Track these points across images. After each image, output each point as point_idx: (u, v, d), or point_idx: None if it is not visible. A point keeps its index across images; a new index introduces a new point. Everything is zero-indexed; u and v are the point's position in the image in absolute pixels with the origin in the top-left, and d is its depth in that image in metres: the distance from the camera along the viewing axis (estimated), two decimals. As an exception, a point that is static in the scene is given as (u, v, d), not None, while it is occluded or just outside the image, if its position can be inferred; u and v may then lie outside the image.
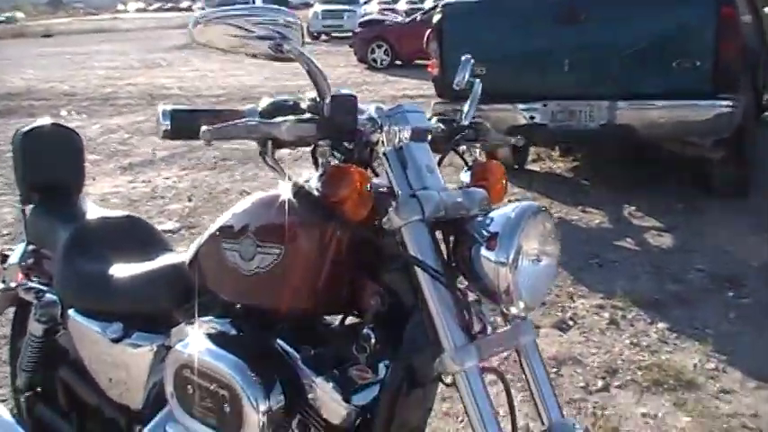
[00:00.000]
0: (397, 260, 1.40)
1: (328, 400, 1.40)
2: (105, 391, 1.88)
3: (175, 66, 13.32)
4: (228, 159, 6.54)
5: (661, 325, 3.53)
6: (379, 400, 1.39)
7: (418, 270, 1.26)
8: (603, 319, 3.61)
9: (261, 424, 1.41)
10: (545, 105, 4.89)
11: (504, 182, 1.50)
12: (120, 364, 1.80)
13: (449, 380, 1.32)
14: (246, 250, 1.42)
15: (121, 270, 1.86)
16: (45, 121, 2.21)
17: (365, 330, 1.36)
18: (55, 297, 1.98)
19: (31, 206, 2.17)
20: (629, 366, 3.18)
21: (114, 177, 5.97)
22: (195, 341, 1.53)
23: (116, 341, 1.79)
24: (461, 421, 2.77)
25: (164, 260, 1.80)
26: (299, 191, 1.34)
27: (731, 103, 4.83)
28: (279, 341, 1.49)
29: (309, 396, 1.43)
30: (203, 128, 1.20)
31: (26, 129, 2.16)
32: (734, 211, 5.16)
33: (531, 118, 5.00)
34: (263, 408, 1.40)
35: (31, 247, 2.15)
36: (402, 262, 1.36)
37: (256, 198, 1.45)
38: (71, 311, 1.92)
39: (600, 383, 3.04)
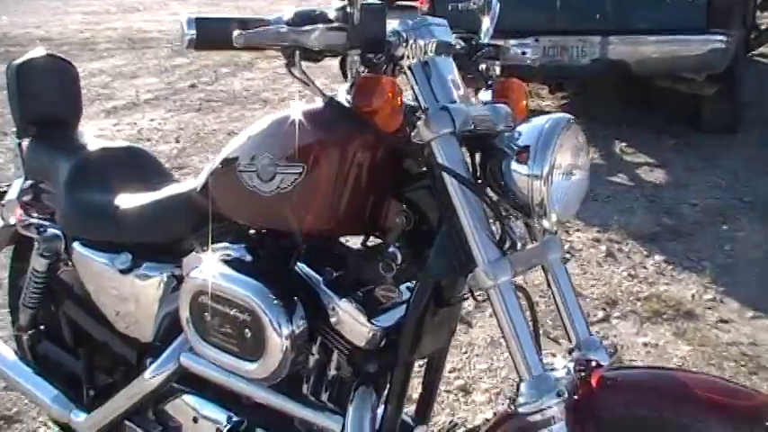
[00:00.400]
0: (422, 178, 1.37)
1: (352, 321, 1.39)
2: (113, 325, 1.85)
3: (153, 10, 12.97)
4: (213, 101, 6.42)
5: (657, 257, 3.56)
6: (405, 321, 1.37)
7: (449, 184, 1.23)
8: (600, 252, 3.63)
9: (284, 348, 1.39)
10: (536, 41, 4.80)
11: (525, 100, 1.47)
12: (128, 295, 1.77)
13: (477, 299, 1.32)
14: (265, 171, 1.38)
15: (128, 200, 1.81)
16: (39, 51, 2.12)
17: (391, 249, 1.33)
18: (58, 231, 1.93)
19: (28, 140, 2.10)
20: (629, 298, 3.20)
21: (99, 120, 5.84)
22: (211, 267, 1.50)
23: (125, 272, 1.75)
24: (465, 353, 2.79)
25: (173, 188, 1.75)
26: (330, 103, 1.30)
27: (724, 38, 4.78)
28: (298, 264, 1.47)
29: (332, 319, 1.41)
30: (236, 32, 1.15)
31: (20, 60, 2.08)
32: (724, 146, 5.17)
33: (523, 54, 4.90)
34: (285, 331, 1.39)
35: (29, 182, 2.09)
36: (428, 180, 1.34)
37: (275, 118, 1.40)
38: (76, 244, 1.88)
39: (600, 314, 3.06)
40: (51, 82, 2.09)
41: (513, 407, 1.23)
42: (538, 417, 1.20)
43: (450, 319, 1.49)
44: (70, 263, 1.94)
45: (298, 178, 1.34)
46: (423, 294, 1.35)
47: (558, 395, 1.19)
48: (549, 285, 1.37)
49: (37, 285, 2.00)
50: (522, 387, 1.22)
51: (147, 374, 1.72)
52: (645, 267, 3.47)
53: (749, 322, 3.01)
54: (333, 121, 1.31)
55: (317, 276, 1.44)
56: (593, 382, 1.25)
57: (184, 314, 1.54)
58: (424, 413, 1.56)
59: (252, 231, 1.55)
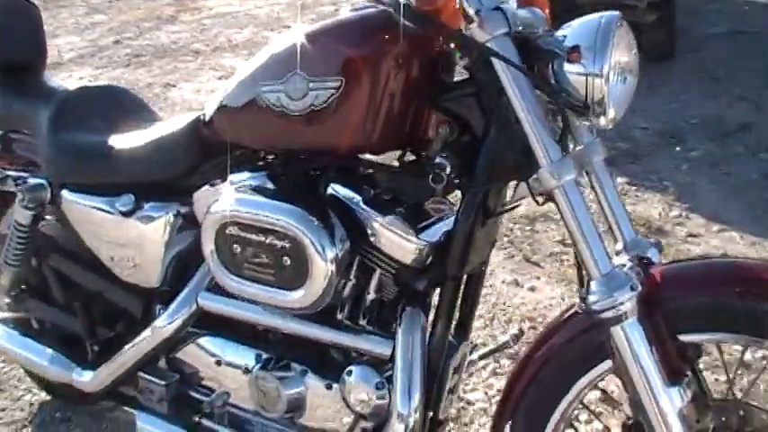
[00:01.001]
0: (459, 88, 1.32)
1: (398, 238, 1.34)
2: (113, 274, 1.74)
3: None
4: (142, 56, 6.12)
5: (619, 179, 3.61)
6: (454, 234, 1.33)
7: (508, 84, 1.18)
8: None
9: (328, 272, 1.33)
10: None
11: (548, 8, 1.42)
12: (130, 240, 1.67)
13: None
14: (295, 89, 1.30)
15: (124, 139, 1.69)
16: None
17: (438, 160, 1.29)
18: (41, 180, 1.79)
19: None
20: (599, 218, 3.24)
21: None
22: (237, 197, 1.41)
23: (126, 215, 1.64)
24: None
25: (174, 123, 1.64)
26: (393, 5, 1.24)
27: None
28: (331, 186, 1.40)
29: (374, 238, 1.36)
30: None
31: None
32: (663, 73, 5.27)
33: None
34: (330, 254, 1.33)
35: None
36: (469, 88, 1.29)
37: (303, 32, 1.31)
38: (65, 192, 1.75)
39: (575, 238, 3.09)
40: (14, 25, 1.92)
41: (583, 305, 1.22)
42: (610, 313, 1.19)
43: (492, 232, 1.46)
44: (56, 213, 1.81)
45: (334, 93, 1.27)
46: (471, 205, 1.31)
47: (632, 289, 1.18)
48: (592, 188, 1.36)
49: (21, 240, 1.86)
50: (593, 285, 1.21)
51: (160, 321, 1.64)
52: (610, 190, 3.51)
53: (717, 235, 3.11)
54: (379, 28, 1.26)
55: (355, 196, 1.37)
56: (656, 275, 1.25)
57: (208, 249, 1.45)
58: (464, 331, 1.53)
59: (271, 157, 1.47)
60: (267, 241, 1.37)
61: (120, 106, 1.86)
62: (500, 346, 1.74)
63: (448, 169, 1.28)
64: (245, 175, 1.47)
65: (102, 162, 1.69)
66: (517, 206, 1.39)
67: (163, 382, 1.66)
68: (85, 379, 1.80)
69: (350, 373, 1.41)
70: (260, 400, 1.51)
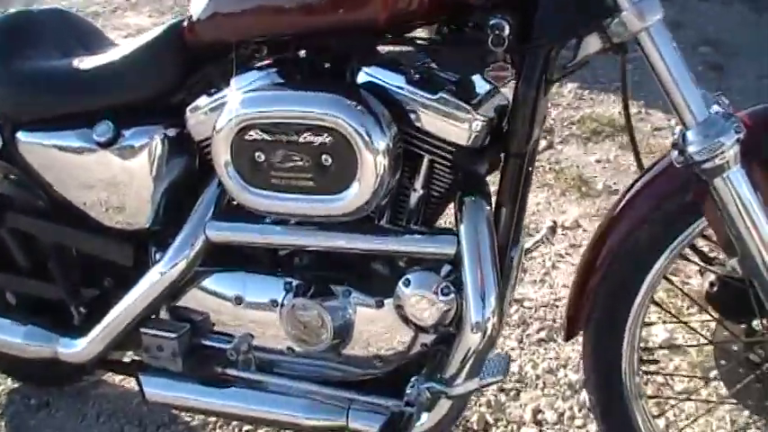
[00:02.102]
0: None
1: (452, 117, 1.16)
2: (93, 221, 1.48)
3: None
4: None
5: (570, 85, 3.53)
6: (515, 103, 1.16)
7: None
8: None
9: (381, 166, 1.14)
10: None
11: None
12: (112, 176, 1.41)
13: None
14: None
15: (90, 60, 1.44)
16: None
17: (494, 21, 1.10)
18: None
19: None
20: (563, 124, 3.16)
21: None
22: (251, 96, 1.20)
23: (105, 145, 1.39)
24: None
25: (148, 36, 1.39)
26: None
27: None
28: (363, 71, 1.20)
29: (423, 120, 1.17)
30: None
31: None
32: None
33: None
34: (381, 144, 1.14)
35: None
36: None
37: None
38: (21, 134, 1.47)
39: (542, 143, 2.98)
40: None
41: (682, 157, 1.08)
42: (712, 163, 1.06)
43: (546, 105, 1.30)
44: (11, 163, 1.52)
45: None
46: (534, 69, 1.15)
47: (736, 132, 1.05)
48: (645, 56, 1.14)
49: None
50: (691, 135, 1.08)
51: (162, 264, 1.40)
52: (563, 96, 3.44)
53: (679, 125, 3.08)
54: None
55: (394, 76, 1.18)
56: (747, 120, 1.12)
57: (222, 163, 1.24)
58: (519, 219, 1.37)
59: (281, 47, 1.25)
60: (301, 139, 1.16)
61: (72, 30, 1.58)
62: (537, 243, 1.61)
63: (506, 29, 1.10)
64: (253, 74, 1.25)
65: (68, 88, 1.42)
66: (582, 66, 1.22)
67: (173, 335, 1.42)
68: (74, 348, 1.53)
69: (407, 282, 1.23)
70: (298, 334, 1.32)
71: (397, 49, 1.27)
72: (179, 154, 1.41)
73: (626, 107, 1.29)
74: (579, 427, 1.61)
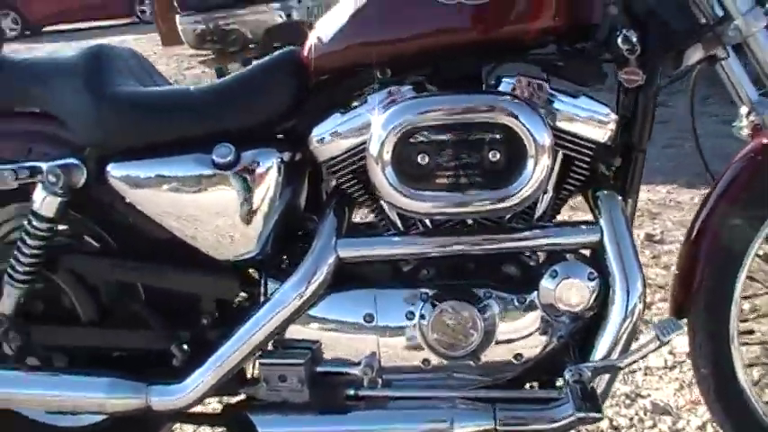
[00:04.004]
0: None
1: (594, 115, 1.31)
2: (199, 254, 1.45)
3: None
4: None
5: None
6: (642, 103, 1.34)
7: None
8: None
9: (545, 160, 1.26)
10: (300, 2, 4.75)
11: None
12: (230, 202, 1.40)
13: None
14: None
15: (198, 89, 1.44)
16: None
17: (626, 32, 1.28)
18: (72, 159, 1.44)
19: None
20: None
21: None
22: (412, 102, 1.29)
23: (226, 168, 1.38)
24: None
25: (261, 63, 1.45)
26: None
27: None
28: (504, 80, 1.34)
29: (566, 120, 1.31)
30: None
31: None
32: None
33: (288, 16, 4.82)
34: (547, 140, 1.26)
35: None
36: None
37: None
38: (113, 166, 1.42)
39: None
40: None
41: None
42: None
43: None
44: (96, 197, 1.46)
45: None
46: (656, 72, 1.33)
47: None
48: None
49: (38, 243, 1.46)
50: None
51: (286, 292, 1.39)
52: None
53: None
54: None
55: (542, 83, 1.32)
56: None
57: (382, 170, 1.28)
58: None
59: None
60: (470, 137, 1.26)
61: (142, 65, 1.58)
62: None
63: (634, 38, 1.29)
64: (392, 89, 1.34)
65: (184, 112, 1.42)
66: (685, 74, 1.42)
67: (299, 361, 1.40)
68: (173, 395, 1.44)
69: (554, 273, 1.33)
70: (445, 340, 1.35)
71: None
72: (293, 178, 1.44)
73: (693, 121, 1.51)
74: (651, 428, 1.73)
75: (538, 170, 1.25)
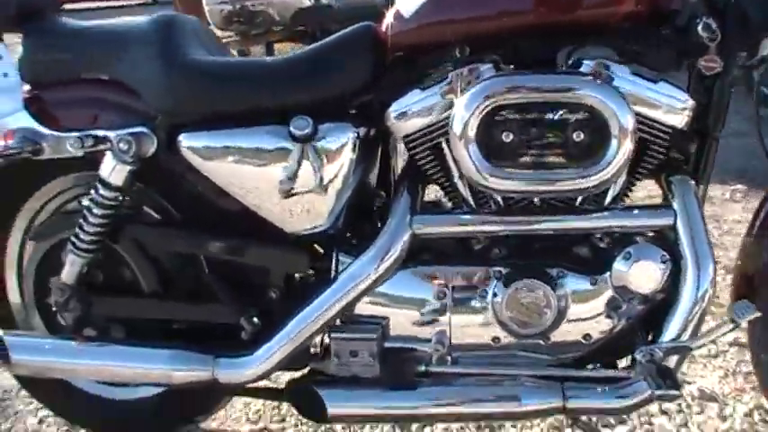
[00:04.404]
0: None
1: (671, 101, 1.32)
2: (271, 228, 1.46)
3: None
4: None
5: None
6: (718, 90, 1.36)
7: None
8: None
9: (628, 142, 1.27)
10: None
11: None
12: (305, 174, 1.40)
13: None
14: None
15: (273, 59, 1.45)
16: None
17: (707, 20, 1.29)
18: (142, 128, 1.44)
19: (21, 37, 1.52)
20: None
21: None
22: (500, 79, 1.30)
23: (304, 140, 1.39)
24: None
25: (337, 37, 1.45)
26: None
27: None
28: (585, 62, 1.35)
29: (644, 105, 1.32)
30: None
31: None
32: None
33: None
34: (630, 123, 1.27)
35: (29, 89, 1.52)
36: None
37: None
38: (185, 136, 1.43)
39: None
40: None
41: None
42: None
43: None
44: (166, 165, 1.47)
45: None
46: (734, 58, 1.35)
47: None
48: None
49: (106, 213, 1.47)
50: None
51: (361, 266, 1.40)
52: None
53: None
54: None
55: (622, 67, 1.33)
56: None
57: (465, 147, 1.30)
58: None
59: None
60: (556, 117, 1.27)
61: (208, 37, 1.59)
62: None
63: (714, 25, 1.31)
64: (473, 67, 1.35)
65: (260, 83, 1.42)
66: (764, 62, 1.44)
67: (372, 335, 1.41)
68: (240, 368, 1.45)
69: (627, 256, 1.35)
70: (517, 317, 1.37)
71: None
72: (367, 153, 1.45)
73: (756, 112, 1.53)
74: (698, 413, 1.76)
75: (621, 152, 1.27)
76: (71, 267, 1.51)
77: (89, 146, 1.44)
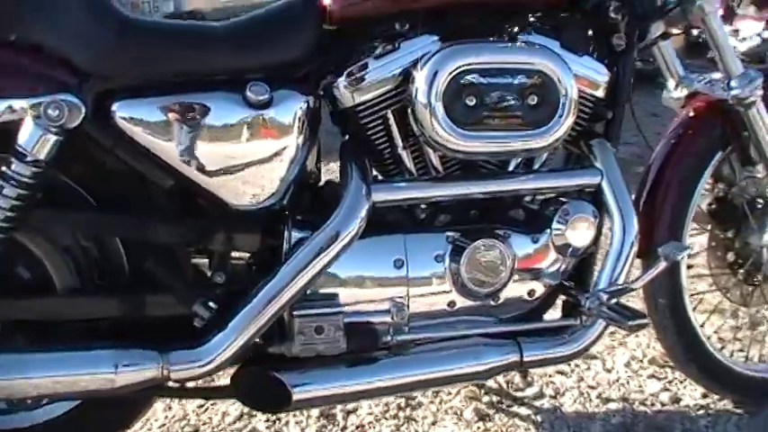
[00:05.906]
0: None
1: (594, 75, 1.48)
2: (219, 204, 1.38)
3: None
4: None
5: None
6: (625, 62, 1.54)
7: None
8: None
9: (574, 105, 1.40)
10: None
11: None
12: (260, 143, 1.35)
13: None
14: None
15: (214, 27, 1.38)
16: None
17: (616, 4, 1.48)
18: (68, 96, 1.26)
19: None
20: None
21: None
22: (460, 48, 1.37)
23: (260, 107, 1.33)
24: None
25: (280, 4, 1.42)
26: None
27: None
28: (521, 37, 1.46)
29: (573, 79, 1.46)
30: None
31: None
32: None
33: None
34: (574, 89, 1.40)
35: None
36: None
37: None
38: (118, 105, 1.29)
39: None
40: None
41: (727, 95, 1.58)
42: (749, 99, 1.59)
43: None
44: (95, 136, 1.30)
45: None
46: (635, 40, 1.54)
47: (766, 79, 1.60)
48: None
49: (29, 185, 1.25)
50: (735, 82, 1.59)
51: (320, 241, 1.36)
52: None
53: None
54: None
55: (553, 41, 1.46)
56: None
57: (431, 110, 1.34)
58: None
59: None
60: (515, 82, 1.36)
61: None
62: None
63: (621, 8, 1.49)
64: (422, 39, 1.40)
65: (213, 46, 1.34)
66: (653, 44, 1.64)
67: (335, 310, 1.38)
68: (195, 360, 1.33)
69: (565, 212, 1.47)
70: (476, 277, 1.42)
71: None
72: (316, 122, 1.43)
73: None
74: (587, 369, 1.94)
75: (568, 114, 1.39)
76: None
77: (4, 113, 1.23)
